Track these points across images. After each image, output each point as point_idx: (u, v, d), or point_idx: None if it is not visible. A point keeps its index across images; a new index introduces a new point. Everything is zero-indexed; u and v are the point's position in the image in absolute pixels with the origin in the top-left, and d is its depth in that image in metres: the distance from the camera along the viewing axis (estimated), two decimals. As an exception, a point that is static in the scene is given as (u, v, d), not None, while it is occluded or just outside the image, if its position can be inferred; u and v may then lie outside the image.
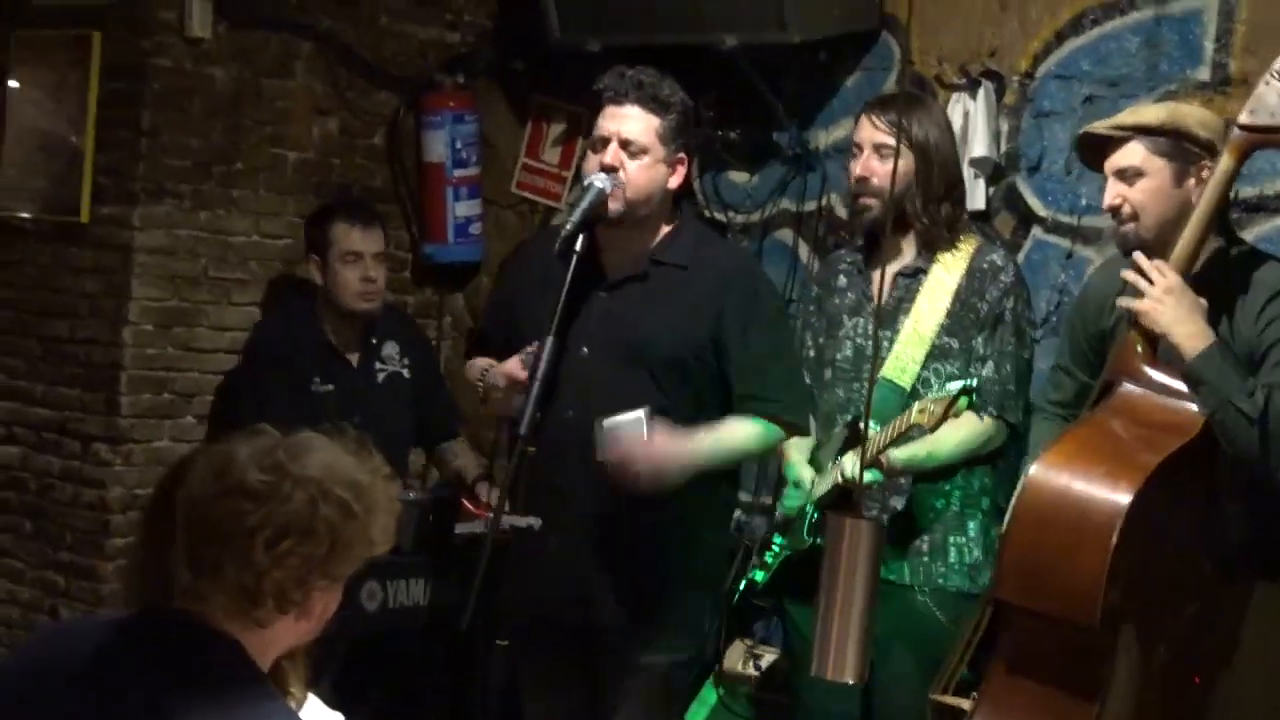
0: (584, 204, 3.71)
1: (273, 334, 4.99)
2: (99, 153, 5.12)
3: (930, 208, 4.00)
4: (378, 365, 4.97)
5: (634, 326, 3.84)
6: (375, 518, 2.24)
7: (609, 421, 3.66)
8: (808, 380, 4.14)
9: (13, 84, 5.32)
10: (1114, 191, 3.59)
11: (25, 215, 5.30)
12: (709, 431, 3.78)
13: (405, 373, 5.00)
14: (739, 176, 5.20)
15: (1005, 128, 4.65)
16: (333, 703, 2.51)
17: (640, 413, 3.67)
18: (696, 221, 4.26)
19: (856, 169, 4.04)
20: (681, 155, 3.87)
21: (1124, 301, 3.47)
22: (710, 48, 4.82)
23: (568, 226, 3.71)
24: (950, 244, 4.02)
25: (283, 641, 2.26)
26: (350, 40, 5.52)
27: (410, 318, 5.39)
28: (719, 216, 5.21)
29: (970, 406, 3.69)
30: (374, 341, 4.97)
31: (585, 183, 3.79)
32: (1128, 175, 3.57)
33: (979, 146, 4.58)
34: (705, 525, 3.96)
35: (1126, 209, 3.56)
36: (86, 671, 2.17)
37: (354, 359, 4.94)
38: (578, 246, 3.69)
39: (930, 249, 4.00)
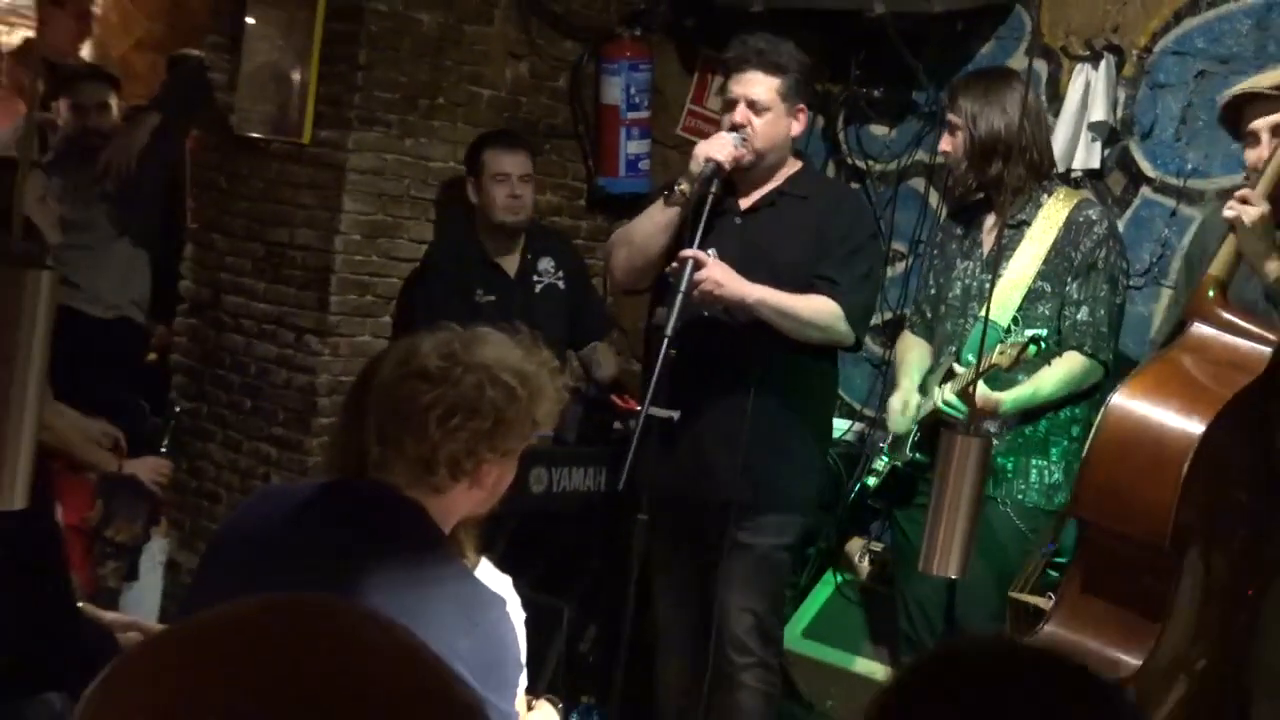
0: (701, 178, 4.03)
1: (443, 252, 5.14)
2: (320, 84, 5.18)
3: (985, 174, 4.07)
4: (534, 278, 5.13)
5: (766, 243, 4.15)
6: (538, 402, 2.32)
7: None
8: (928, 312, 4.31)
9: (250, 21, 5.37)
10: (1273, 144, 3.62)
11: (256, 135, 5.37)
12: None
13: (560, 284, 5.15)
14: (879, 130, 5.29)
15: (1122, 96, 4.72)
16: (500, 569, 2.63)
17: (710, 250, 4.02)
18: (814, 165, 4.64)
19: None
20: (801, 107, 4.20)
21: (1227, 211, 3.50)
22: (861, 13, 4.90)
23: (683, 189, 4.05)
24: (1023, 203, 4.07)
25: (460, 508, 2.34)
26: (542, -7, 5.57)
27: (563, 234, 5.48)
28: (859, 165, 5.30)
29: (1038, 355, 3.78)
30: (529, 257, 5.13)
31: (703, 160, 4.05)
32: None
33: (1098, 112, 4.65)
34: (810, 412, 4.25)
35: None
36: (293, 525, 2.28)
37: (512, 271, 5.10)
38: (713, 189, 4.00)
39: (1014, 208, 4.07)
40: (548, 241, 5.26)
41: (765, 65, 4.13)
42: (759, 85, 4.12)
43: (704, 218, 3.97)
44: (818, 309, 4.07)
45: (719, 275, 3.97)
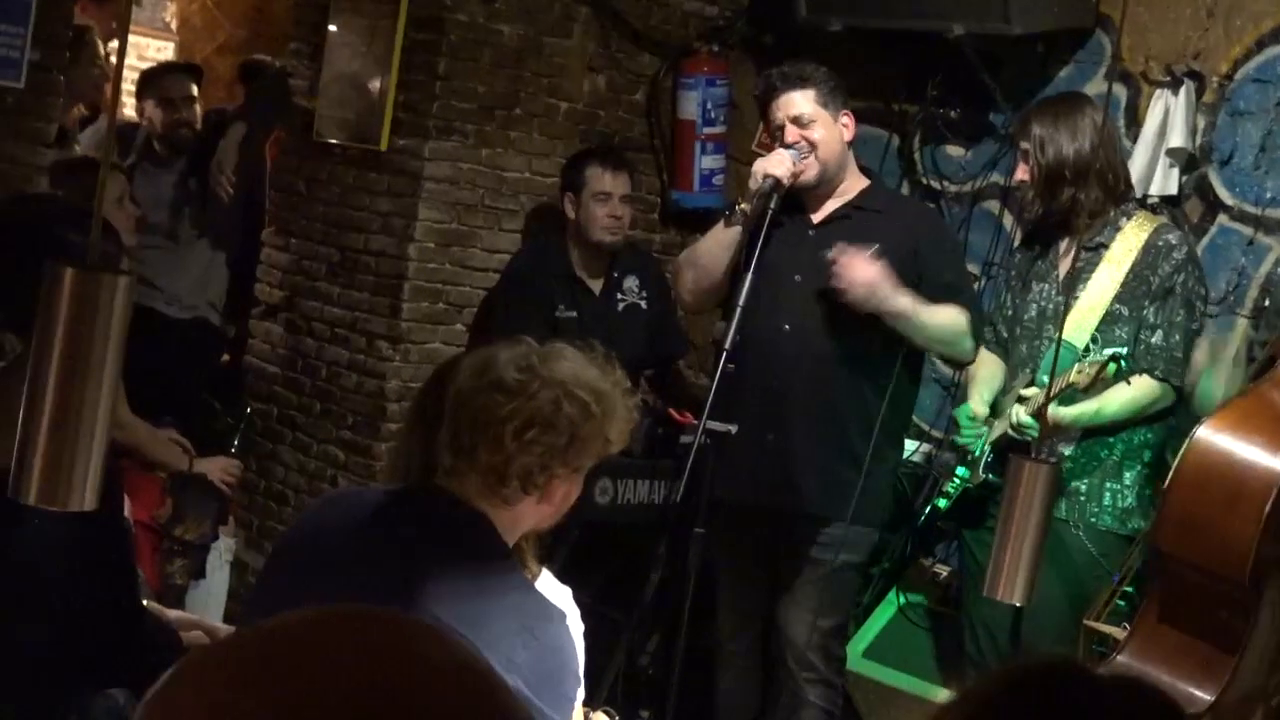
0: (760, 194, 4.02)
1: (527, 264, 5.10)
2: (400, 92, 5.21)
3: (1055, 200, 4.04)
4: (618, 296, 5.11)
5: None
6: (611, 421, 2.33)
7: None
8: (1004, 333, 4.28)
9: (332, 28, 5.41)
10: None
11: (335, 142, 5.41)
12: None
13: (643, 304, 5.13)
14: (955, 150, 5.26)
15: (1202, 123, 4.67)
16: (561, 580, 2.64)
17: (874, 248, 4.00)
18: (884, 182, 4.61)
19: None
20: (846, 112, 4.21)
21: None
22: (938, 34, 4.88)
23: (743, 207, 4.06)
24: (1100, 226, 4.04)
25: (526, 521, 2.35)
26: (622, 7, 5.60)
27: (651, 255, 5.44)
28: (934, 185, 5.28)
29: (1117, 374, 3.74)
30: (615, 275, 5.11)
31: (762, 177, 4.04)
32: None
33: (1176, 138, 4.60)
34: (886, 430, 4.15)
35: None
36: (359, 531, 2.30)
37: (596, 289, 5.07)
38: (772, 205, 4.02)
39: (1091, 231, 4.04)
40: (635, 260, 5.24)
41: (793, 82, 4.16)
42: (796, 101, 4.16)
43: (763, 233, 3.99)
44: (952, 322, 4.07)
45: (869, 277, 3.94)
